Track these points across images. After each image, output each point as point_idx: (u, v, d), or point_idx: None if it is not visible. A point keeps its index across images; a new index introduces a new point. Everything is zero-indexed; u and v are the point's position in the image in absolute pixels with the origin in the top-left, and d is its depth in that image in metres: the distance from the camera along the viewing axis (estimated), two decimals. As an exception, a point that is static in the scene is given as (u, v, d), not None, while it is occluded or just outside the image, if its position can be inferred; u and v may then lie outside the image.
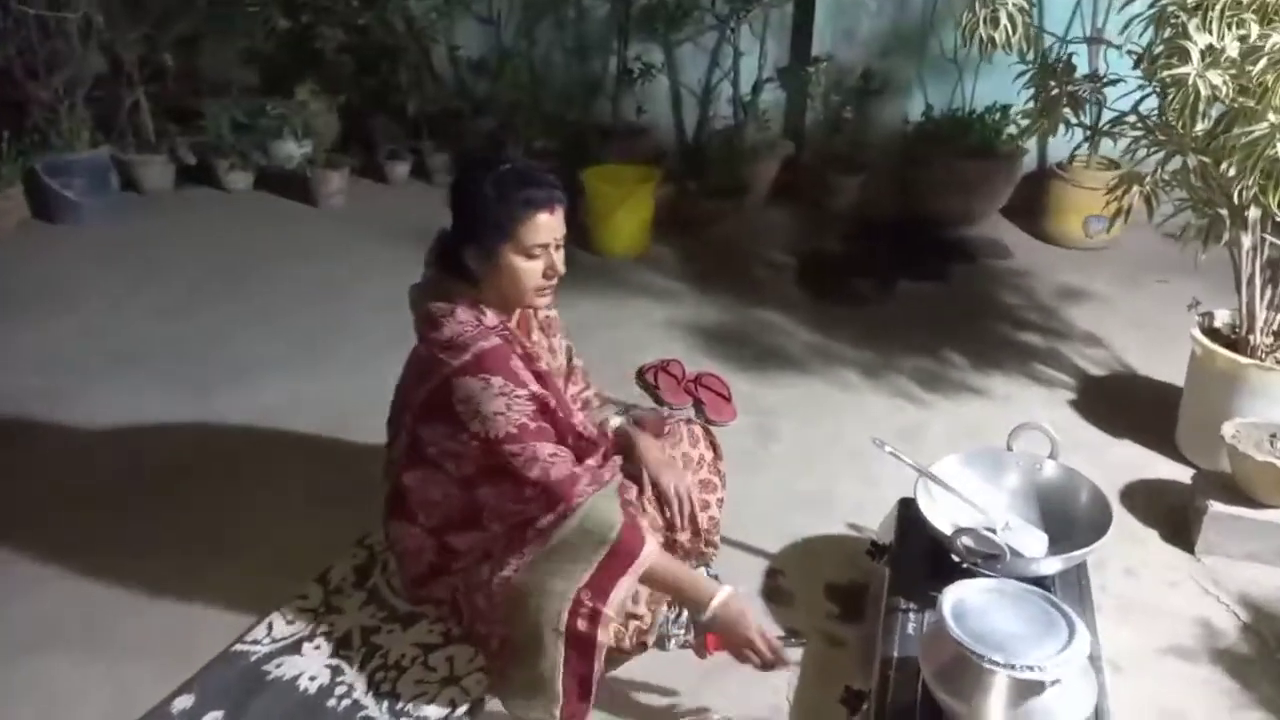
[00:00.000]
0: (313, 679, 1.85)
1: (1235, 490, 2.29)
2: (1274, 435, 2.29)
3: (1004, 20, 2.47)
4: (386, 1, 4.20)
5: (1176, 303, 3.50)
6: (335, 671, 1.87)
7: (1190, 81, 2.08)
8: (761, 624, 1.75)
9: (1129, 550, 2.30)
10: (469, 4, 4.47)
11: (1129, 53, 2.43)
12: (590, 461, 1.76)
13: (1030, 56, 2.63)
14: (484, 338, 1.69)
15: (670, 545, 1.90)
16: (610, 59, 4.47)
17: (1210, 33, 2.11)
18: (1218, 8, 2.12)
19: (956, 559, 1.78)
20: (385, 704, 1.80)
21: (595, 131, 4.46)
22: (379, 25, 4.27)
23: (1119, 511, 2.34)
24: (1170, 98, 2.14)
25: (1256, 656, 2.02)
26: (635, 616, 1.79)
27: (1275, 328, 2.51)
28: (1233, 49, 2.08)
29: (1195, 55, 2.09)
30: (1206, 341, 2.52)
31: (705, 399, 2.84)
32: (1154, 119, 2.37)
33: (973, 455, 2.00)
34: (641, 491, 1.90)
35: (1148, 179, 2.40)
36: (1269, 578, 2.23)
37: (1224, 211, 2.28)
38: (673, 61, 4.42)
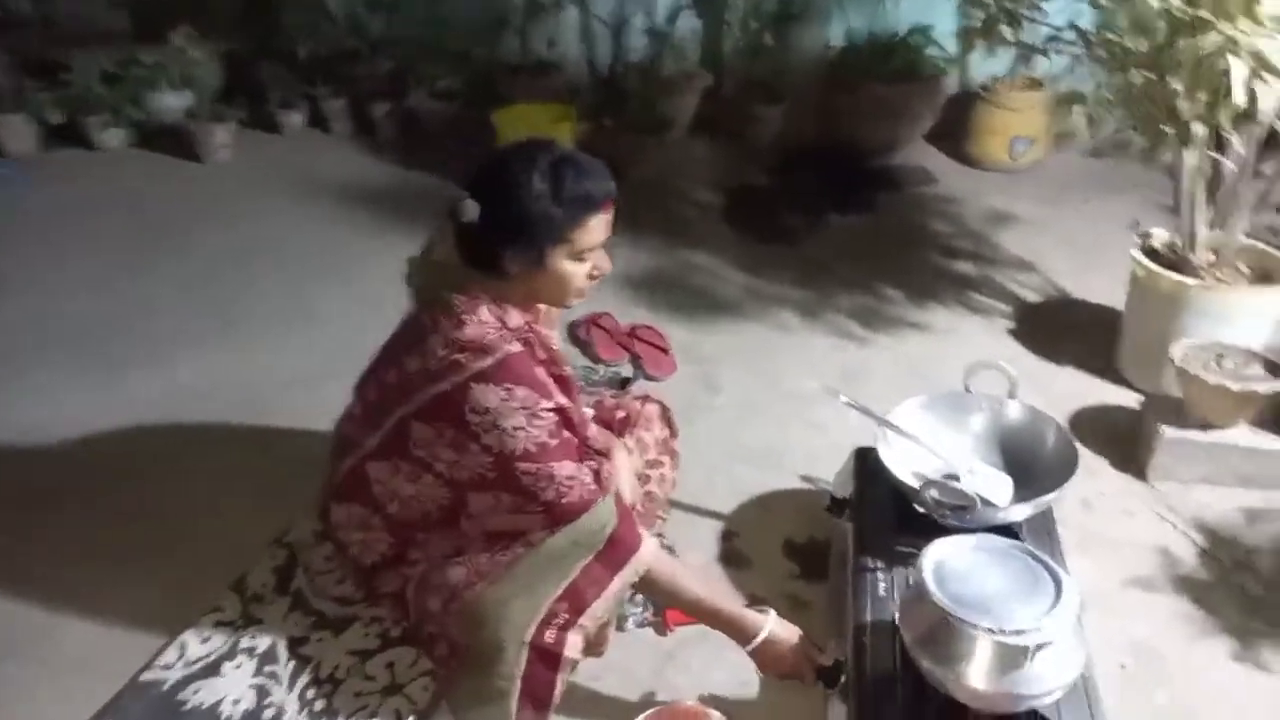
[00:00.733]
0: (236, 703, 1.65)
1: (1186, 414, 2.26)
2: (1220, 355, 2.26)
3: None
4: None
5: (1105, 223, 3.51)
6: (261, 693, 1.67)
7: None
8: (808, 647, 1.62)
9: (1083, 481, 2.25)
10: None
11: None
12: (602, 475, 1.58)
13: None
14: (507, 341, 1.48)
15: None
16: (516, -10, 4.23)
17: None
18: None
19: (923, 511, 1.69)
20: (322, 724, 1.62)
21: (503, 69, 4.28)
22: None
23: (1071, 443, 2.30)
24: (1114, 12, 2.04)
25: (1217, 582, 2.01)
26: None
27: (1215, 246, 2.48)
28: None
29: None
30: (1149, 263, 2.47)
31: (642, 353, 2.69)
32: (1094, 35, 2.27)
33: (932, 400, 1.90)
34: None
35: (1089, 97, 2.32)
36: (1221, 500, 2.22)
37: (1169, 129, 2.20)
38: (582, -9, 4.20)
